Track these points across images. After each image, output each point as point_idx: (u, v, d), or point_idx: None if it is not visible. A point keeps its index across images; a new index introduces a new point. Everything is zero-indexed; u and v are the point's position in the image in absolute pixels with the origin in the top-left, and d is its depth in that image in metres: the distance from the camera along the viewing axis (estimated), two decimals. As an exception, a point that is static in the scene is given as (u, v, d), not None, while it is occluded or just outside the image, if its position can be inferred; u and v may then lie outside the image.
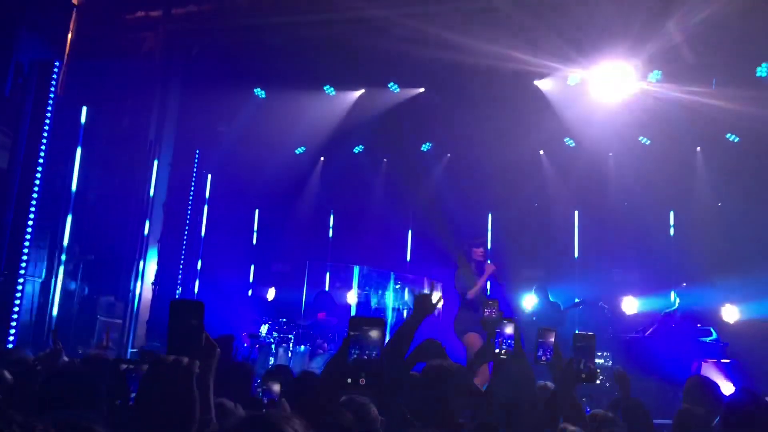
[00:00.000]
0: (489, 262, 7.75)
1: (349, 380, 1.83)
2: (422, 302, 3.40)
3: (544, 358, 3.17)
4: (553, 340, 3.19)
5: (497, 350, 3.07)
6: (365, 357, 1.84)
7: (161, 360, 1.57)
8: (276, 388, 3.22)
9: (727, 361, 8.66)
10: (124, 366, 2.22)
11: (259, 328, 9.96)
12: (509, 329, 3.07)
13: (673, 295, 10.17)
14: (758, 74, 9.33)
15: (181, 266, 10.88)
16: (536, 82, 10.19)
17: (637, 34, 8.75)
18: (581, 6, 8.65)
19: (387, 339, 2.53)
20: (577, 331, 3.04)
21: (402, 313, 11.28)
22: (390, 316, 10.98)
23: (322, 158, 12.82)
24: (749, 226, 10.70)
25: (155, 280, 10.10)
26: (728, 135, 10.71)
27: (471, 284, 7.51)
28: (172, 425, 1.50)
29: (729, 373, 8.24)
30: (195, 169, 11.24)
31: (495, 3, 8.64)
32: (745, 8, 8.35)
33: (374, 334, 1.87)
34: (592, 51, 9.23)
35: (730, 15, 8.42)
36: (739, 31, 8.68)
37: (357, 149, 12.58)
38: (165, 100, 10.30)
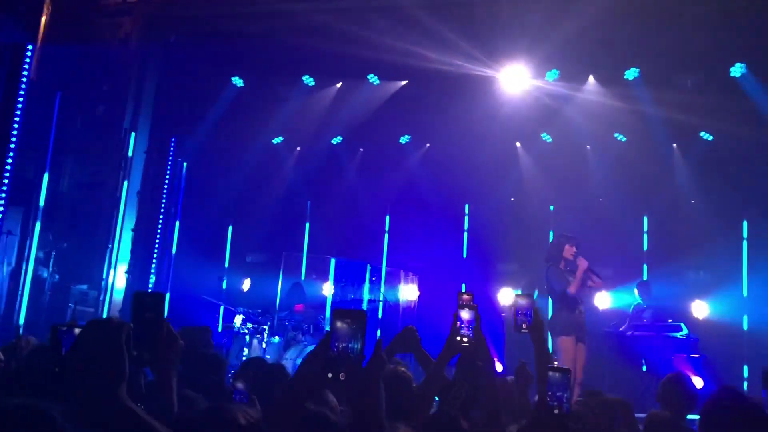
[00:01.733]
0: (576, 250, 7.51)
1: (330, 375, 1.81)
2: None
3: (524, 325, 3.11)
4: (526, 303, 3.13)
5: (458, 338, 2.94)
6: (347, 350, 1.83)
7: (93, 320, 1.63)
8: (240, 385, 3.23)
9: (698, 356, 8.80)
10: (62, 328, 2.25)
11: (234, 319, 9.89)
12: (466, 315, 2.95)
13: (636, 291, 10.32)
14: (732, 74, 9.46)
15: (155, 255, 10.78)
16: (498, 76, 10.20)
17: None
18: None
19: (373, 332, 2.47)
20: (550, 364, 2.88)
21: (377, 306, 11.29)
22: (365, 308, 10.98)
23: (298, 148, 12.74)
24: (720, 223, 10.89)
25: (129, 268, 10.00)
26: (702, 133, 10.85)
27: (565, 283, 7.29)
28: (101, 379, 1.53)
29: (699, 369, 8.38)
30: (171, 158, 11.11)
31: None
32: (722, 8, 8.49)
33: (356, 326, 1.85)
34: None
35: (706, 14, 8.56)
36: (715, 32, 8.80)
37: (335, 140, 12.53)
38: (141, 87, 10.17)
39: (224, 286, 11.06)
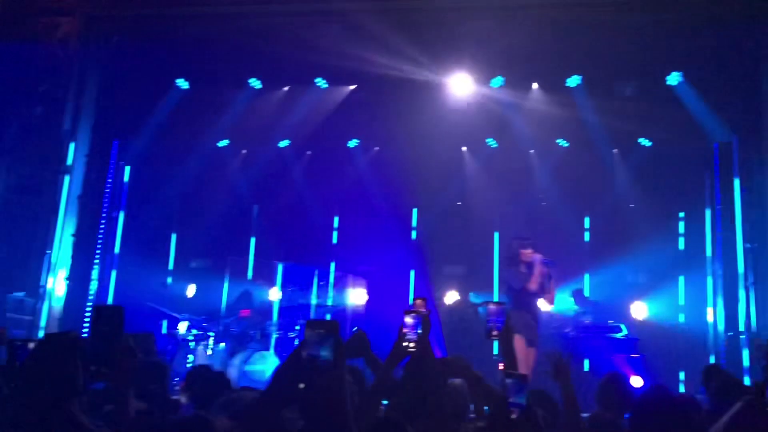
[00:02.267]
0: (531, 250, 7.69)
1: (302, 385, 1.82)
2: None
3: (494, 332, 3.13)
4: (498, 309, 3.16)
5: (404, 343, 2.96)
6: (319, 360, 1.84)
7: (50, 334, 1.66)
8: (184, 399, 3.19)
9: (637, 356, 9.07)
10: (18, 342, 2.22)
11: (177, 326, 9.72)
12: (410, 320, 2.97)
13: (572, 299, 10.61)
14: (669, 82, 9.79)
15: (96, 261, 10.49)
16: (445, 82, 10.31)
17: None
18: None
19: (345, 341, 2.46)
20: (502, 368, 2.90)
21: (324, 311, 11.24)
22: (313, 314, 10.92)
23: (244, 151, 12.59)
24: (658, 225, 11.25)
25: (69, 275, 9.72)
26: (641, 139, 11.19)
27: (524, 280, 7.54)
28: (54, 393, 1.53)
29: (639, 368, 8.63)
30: (113, 161, 10.85)
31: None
32: (659, 18, 8.79)
33: (328, 336, 1.86)
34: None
35: (645, 24, 8.85)
36: (653, 41, 9.11)
37: (282, 144, 12.43)
38: (81, 88, 9.88)
39: (169, 282, 10.84)
